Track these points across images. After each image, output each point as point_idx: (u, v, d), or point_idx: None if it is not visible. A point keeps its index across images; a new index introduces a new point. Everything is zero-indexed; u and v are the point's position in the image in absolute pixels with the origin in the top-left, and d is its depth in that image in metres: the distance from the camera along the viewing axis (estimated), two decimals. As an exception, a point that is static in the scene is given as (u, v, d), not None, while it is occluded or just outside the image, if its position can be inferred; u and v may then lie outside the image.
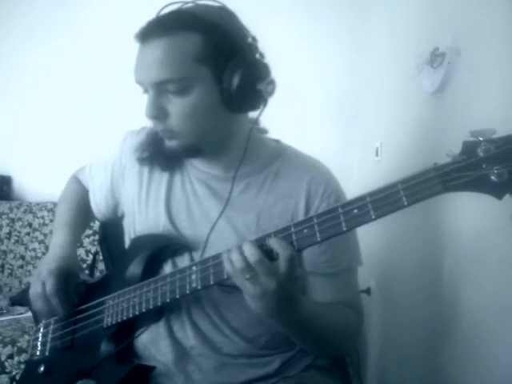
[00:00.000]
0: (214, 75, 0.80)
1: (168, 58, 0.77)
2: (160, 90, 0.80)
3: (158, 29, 0.79)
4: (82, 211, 1.11)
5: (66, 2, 2.46)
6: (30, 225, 2.30)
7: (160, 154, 0.90)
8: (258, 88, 0.80)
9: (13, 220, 2.32)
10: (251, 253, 0.66)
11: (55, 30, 2.45)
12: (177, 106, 0.80)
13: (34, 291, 0.95)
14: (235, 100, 0.81)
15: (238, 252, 0.68)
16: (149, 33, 0.79)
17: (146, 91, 0.83)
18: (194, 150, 0.87)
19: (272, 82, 0.82)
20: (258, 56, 0.82)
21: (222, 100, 0.81)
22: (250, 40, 0.81)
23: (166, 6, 0.83)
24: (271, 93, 0.82)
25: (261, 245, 0.68)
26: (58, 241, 1.02)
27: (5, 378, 1.64)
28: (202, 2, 0.83)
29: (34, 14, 2.49)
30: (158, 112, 0.81)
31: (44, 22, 2.47)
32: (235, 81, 0.79)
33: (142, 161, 0.95)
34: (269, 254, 0.68)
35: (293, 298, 0.72)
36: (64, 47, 2.46)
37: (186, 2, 0.83)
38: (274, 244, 0.67)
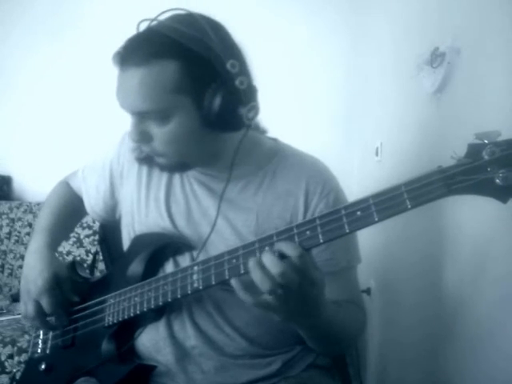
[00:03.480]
0: (193, 102, 0.79)
1: (145, 90, 0.77)
2: (141, 117, 0.81)
3: (134, 56, 0.77)
4: (65, 215, 1.10)
5: (66, 2, 2.46)
6: (29, 225, 2.30)
7: None
8: (238, 113, 0.79)
9: (13, 220, 2.32)
10: (269, 262, 0.65)
11: (56, 31, 2.46)
12: (158, 133, 0.81)
13: (29, 312, 0.94)
14: (216, 124, 0.80)
15: (260, 271, 0.65)
16: (126, 59, 0.78)
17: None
18: (183, 166, 0.88)
19: (253, 108, 0.80)
20: (238, 83, 0.78)
21: (205, 125, 0.80)
22: (228, 67, 0.77)
23: (142, 21, 0.80)
24: (253, 118, 0.82)
25: (265, 248, 0.67)
26: (34, 246, 1.00)
27: (5, 378, 1.64)
28: (182, 18, 0.80)
29: (35, 15, 2.50)
30: (142, 137, 0.82)
31: (45, 23, 2.48)
32: (214, 108, 0.78)
33: (140, 161, 0.95)
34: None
35: (315, 302, 0.71)
36: (65, 48, 2.46)
37: (166, 10, 0.81)
38: (283, 247, 0.66)
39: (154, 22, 0.80)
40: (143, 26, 0.81)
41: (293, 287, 0.65)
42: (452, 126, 0.97)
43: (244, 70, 0.81)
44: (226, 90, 0.78)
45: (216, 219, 0.88)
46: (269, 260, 0.65)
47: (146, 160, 0.93)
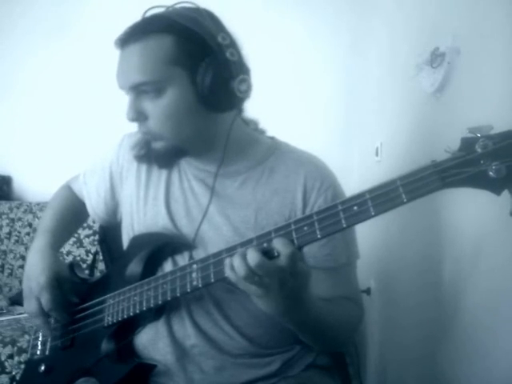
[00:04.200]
0: (188, 76, 0.81)
1: (141, 61, 0.81)
2: (137, 92, 0.83)
3: (132, 35, 0.82)
4: (67, 217, 1.11)
5: (66, 2, 2.46)
6: (29, 225, 2.30)
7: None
8: (230, 87, 0.82)
9: (13, 220, 2.32)
10: (252, 258, 0.66)
11: (56, 30, 2.45)
12: (154, 108, 0.83)
13: (31, 309, 0.94)
14: (210, 100, 0.82)
15: (239, 259, 0.67)
16: (125, 40, 0.83)
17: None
18: (179, 151, 0.88)
19: (244, 80, 0.82)
20: (228, 55, 0.81)
21: (199, 101, 0.82)
22: (219, 39, 0.81)
23: (149, 9, 0.85)
24: (245, 91, 0.83)
25: (261, 245, 0.68)
26: (37, 245, 1.01)
27: (5, 378, 1.64)
28: (179, 5, 0.85)
29: (35, 15, 2.50)
30: (137, 115, 0.84)
31: (44, 23, 2.48)
32: (207, 81, 0.80)
33: (139, 158, 0.96)
34: (269, 253, 0.68)
35: (298, 294, 0.72)
36: (65, 48, 2.46)
37: (171, 5, 0.85)
38: (275, 244, 0.67)
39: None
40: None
41: (273, 277, 0.67)
42: (452, 125, 0.97)
43: (234, 45, 0.84)
44: (217, 63, 0.81)
45: (206, 211, 0.89)
46: (251, 255, 0.67)
47: (145, 158, 0.93)
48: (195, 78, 0.81)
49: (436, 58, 1.00)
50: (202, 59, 0.81)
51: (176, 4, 0.85)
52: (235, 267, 0.67)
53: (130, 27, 0.84)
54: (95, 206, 1.08)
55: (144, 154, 0.93)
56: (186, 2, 0.84)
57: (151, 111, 0.83)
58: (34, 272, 0.95)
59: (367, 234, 1.09)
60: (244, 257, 0.67)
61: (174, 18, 0.82)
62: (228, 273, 0.69)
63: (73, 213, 1.12)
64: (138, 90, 0.82)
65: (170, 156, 0.89)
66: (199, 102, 0.82)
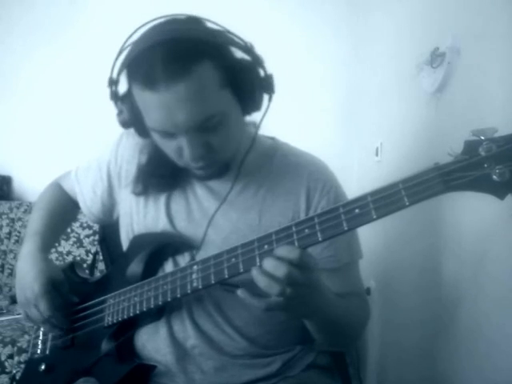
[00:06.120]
0: (233, 92, 0.79)
1: (197, 96, 0.73)
2: (199, 129, 0.76)
3: (170, 72, 0.71)
4: (56, 217, 1.08)
5: (65, 3, 2.46)
6: (29, 225, 2.30)
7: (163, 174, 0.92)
8: (262, 93, 0.81)
9: (13, 220, 2.32)
10: (277, 269, 0.65)
11: (55, 30, 2.46)
12: (220, 137, 0.79)
13: (31, 317, 0.94)
14: (251, 108, 0.82)
15: (264, 275, 0.66)
16: (160, 78, 0.72)
17: (166, 136, 0.79)
18: (222, 169, 0.86)
19: (271, 77, 0.81)
20: (260, 69, 0.80)
21: (243, 112, 0.83)
22: (249, 46, 0.79)
23: (144, 24, 0.78)
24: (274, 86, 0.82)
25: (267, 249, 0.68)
26: (26, 250, 0.99)
27: (5, 378, 1.64)
28: (193, 20, 0.79)
29: (34, 15, 2.50)
30: (206, 149, 0.79)
31: (44, 23, 2.48)
32: (248, 89, 0.79)
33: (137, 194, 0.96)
34: None
35: (316, 286, 0.72)
36: (64, 48, 2.46)
37: (172, 16, 0.79)
38: (281, 252, 0.67)
39: (166, 32, 0.76)
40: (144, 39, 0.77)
41: (299, 283, 0.66)
42: (452, 125, 0.97)
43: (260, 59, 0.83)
44: (249, 72, 0.79)
45: (212, 217, 0.88)
46: (271, 265, 0.66)
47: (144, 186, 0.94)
48: (237, 89, 0.78)
49: (436, 57, 1.00)
50: (240, 69, 0.78)
51: (163, 16, 0.78)
52: (267, 288, 0.66)
53: (163, 63, 0.72)
54: (90, 205, 1.06)
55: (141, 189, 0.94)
56: (181, 15, 0.79)
57: (217, 141, 0.79)
58: (27, 280, 0.94)
59: (367, 234, 1.09)
60: (267, 271, 0.66)
61: (205, 39, 0.74)
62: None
63: (62, 213, 1.10)
64: (200, 127, 0.76)
65: (210, 177, 0.88)
66: (243, 111, 0.82)
